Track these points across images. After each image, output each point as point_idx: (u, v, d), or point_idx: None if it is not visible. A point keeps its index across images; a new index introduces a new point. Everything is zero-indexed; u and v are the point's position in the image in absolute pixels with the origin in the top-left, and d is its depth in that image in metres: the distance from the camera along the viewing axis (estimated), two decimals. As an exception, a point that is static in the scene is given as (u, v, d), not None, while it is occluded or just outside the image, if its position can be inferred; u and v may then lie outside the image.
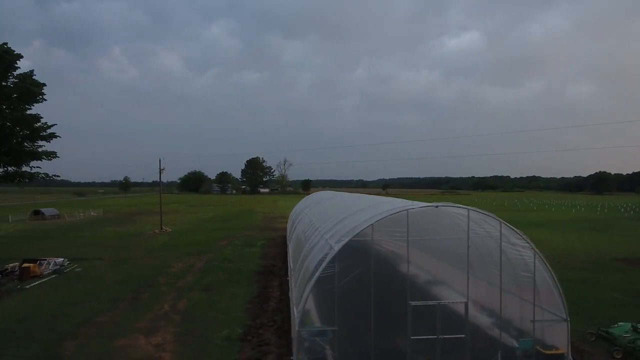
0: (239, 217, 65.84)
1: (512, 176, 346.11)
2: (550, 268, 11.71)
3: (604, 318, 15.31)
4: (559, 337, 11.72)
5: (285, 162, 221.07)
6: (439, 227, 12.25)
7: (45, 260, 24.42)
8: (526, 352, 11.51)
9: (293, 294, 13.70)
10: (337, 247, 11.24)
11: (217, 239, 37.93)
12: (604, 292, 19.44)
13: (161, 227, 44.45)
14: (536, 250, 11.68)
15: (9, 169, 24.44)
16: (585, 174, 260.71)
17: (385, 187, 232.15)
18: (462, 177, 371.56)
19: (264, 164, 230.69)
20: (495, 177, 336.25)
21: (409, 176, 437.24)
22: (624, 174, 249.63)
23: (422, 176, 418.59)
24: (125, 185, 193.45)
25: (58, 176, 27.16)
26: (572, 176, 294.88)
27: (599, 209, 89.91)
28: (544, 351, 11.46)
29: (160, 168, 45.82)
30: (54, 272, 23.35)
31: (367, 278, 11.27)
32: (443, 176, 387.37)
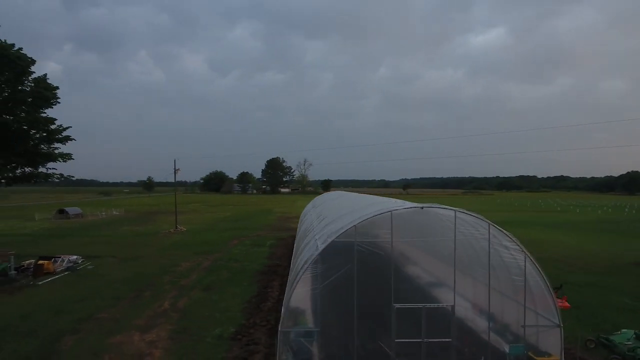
0: (254, 217, 66.44)
1: (539, 176, 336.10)
2: (542, 272, 11.33)
3: (608, 324, 14.70)
4: (552, 343, 11.33)
5: (305, 162, 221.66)
6: (426, 228, 12.02)
7: (60, 257, 25.33)
8: (517, 357, 11.15)
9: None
10: (321, 248, 11.22)
11: (228, 239, 38.41)
12: (613, 296, 18.61)
13: (176, 227, 45.38)
14: (527, 253, 11.31)
15: (26, 169, 25.51)
16: (616, 174, 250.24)
17: (406, 187, 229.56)
18: (486, 177, 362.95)
19: (284, 164, 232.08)
20: (521, 177, 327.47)
21: (431, 176, 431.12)
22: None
23: (445, 176, 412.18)
24: (148, 185, 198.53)
25: (73, 177, 28.18)
26: (602, 176, 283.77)
27: (626, 210, 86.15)
28: (535, 357, 11.09)
29: (175, 169, 46.79)
30: (67, 269, 24.19)
31: (351, 279, 11.18)
32: (467, 176, 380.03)
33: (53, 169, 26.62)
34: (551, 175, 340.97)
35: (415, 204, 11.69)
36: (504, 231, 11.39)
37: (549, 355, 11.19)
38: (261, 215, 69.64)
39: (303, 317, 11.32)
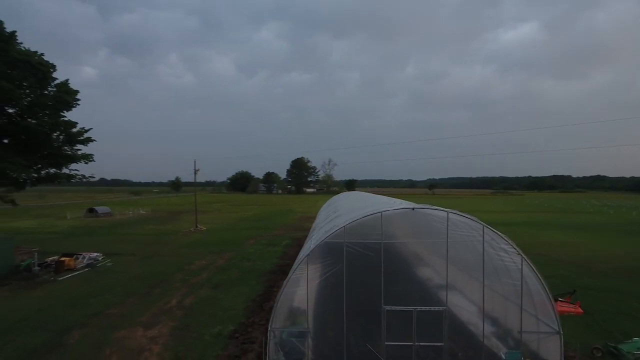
0: (275, 217, 67.05)
1: (573, 176, 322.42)
2: (540, 276, 10.89)
3: (620, 332, 13.96)
4: (551, 350, 10.88)
5: (329, 162, 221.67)
6: (418, 230, 11.78)
7: (81, 255, 26.46)
8: (514, 364, 10.77)
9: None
10: (310, 249, 11.24)
11: (245, 238, 38.95)
12: (629, 303, 17.63)
13: (196, 226, 46.43)
14: (523, 256, 10.92)
15: (50, 170, 26.77)
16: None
17: (432, 187, 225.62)
18: (517, 177, 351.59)
19: (309, 164, 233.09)
20: (555, 176, 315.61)
21: (460, 176, 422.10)
22: None
23: (474, 176, 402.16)
24: (176, 185, 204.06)
25: (94, 177, 29.33)
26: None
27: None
28: (533, 365, 10.70)
29: (194, 169, 47.86)
30: (87, 265, 25.23)
31: (340, 280, 11.12)
32: (497, 176, 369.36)
33: (75, 170, 27.82)
34: (587, 175, 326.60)
35: (409, 205, 11.49)
36: (499, 233, 11.03)
37: (548, 363, 10.75)
38: (282, 215, 70.20)
39: (294, 317, 11.36)
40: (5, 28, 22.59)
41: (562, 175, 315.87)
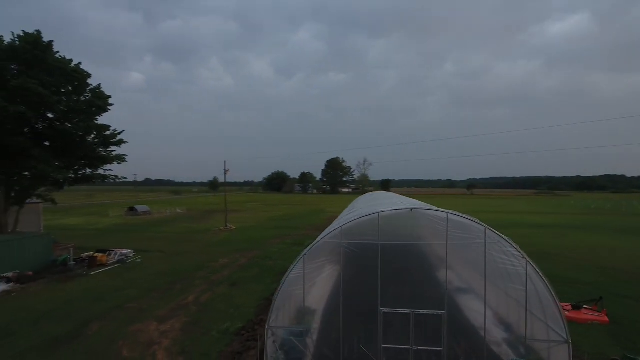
0: (305, 217, 67.49)
1: (627, 175, 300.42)
2: (547, 281, 10.30)
3: (647, 344, 12.89)
4: (559, 360, 10.25)
5: (365, 161, 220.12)
6: (418, 231, 11.48)
7: (113, 251, 27.95)
8: (518, 374, 10.28)
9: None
10: (307, 249, 11.29)
11: (271, 237, 39.54)
12: (664, 313, 16.23)
13: (226, 225, 47.67)
14: (528, 259, 10.37)
15: (87, 171, 28.50)
16: None
17: (470, 187, 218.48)
18: (565, 177, 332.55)
19: (344, 164, 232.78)
20: (607, 176, 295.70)
21: (502, 175, 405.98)
22: None
23: (517, 175, 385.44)
24: (214, 185, 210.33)
25: (125, 177, 30.92)
26: None
27: None
28: (539, 375, 10.14)
29: (224, 170, 49.16)
30: (118, 261, 26.59)
31: (337, 281, 11.07)
32: (542, 175, 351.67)
33: (109, 170, 29.44)
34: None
35: (408, 206, 11.25)
36: (502, 236, 10.54)
37: (555, 373, 10.15)
38: (312, 215, 70.53)
39: (292, 316, 11.44)
40: (42, 38, 24.33)
41: (615, 175, 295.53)
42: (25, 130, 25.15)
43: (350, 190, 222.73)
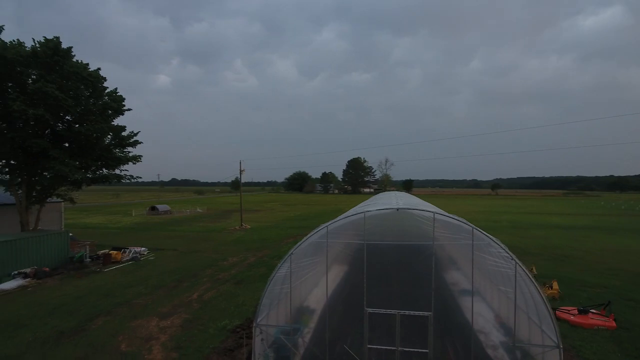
0: (322, 216, 67.56)
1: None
2: (536, 283, 9.99)
3: (653, 352, 12.29)
4: (551, 366, 9.91)
5: (386, 161, 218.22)
6: (405, 231, 11.32)
7: (128, 249, 28.85)
8: (507, 379, 10.01)
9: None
10: (295, 248, 11.37)
11: (284, 237, 39.83)
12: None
13: (241, 224, 48.33)
14: (517, 261, 10.07)
15: (104, 171, 29.52)
16: None
17: (495, 187, 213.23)
18: (597, 177, 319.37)
19: (365, 163, 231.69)
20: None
21: (530, 175, 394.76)
22: None
23: (547, 175, 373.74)
24: (236, 185, 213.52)
25: (140, 177, 31.76)
26: None
27: None
28: (528, 381, 9.85)
29: (240, 170, 49.84)
30: (132, 259, 27.43)
31: (323, 280, 11.09)
32: (573, 175, 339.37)
33: (125, 170, 30.39)
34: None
35: (394, 206, 11.15)
36: (491, 237, 10.29)
37: (546, 379, 9.82)
38: (329, 215, 70.49)
39: (280, 314, 11.53)
40: (62, 43, 25.38)
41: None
42: (47, 132, 26.34)
43: (372, 190, 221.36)
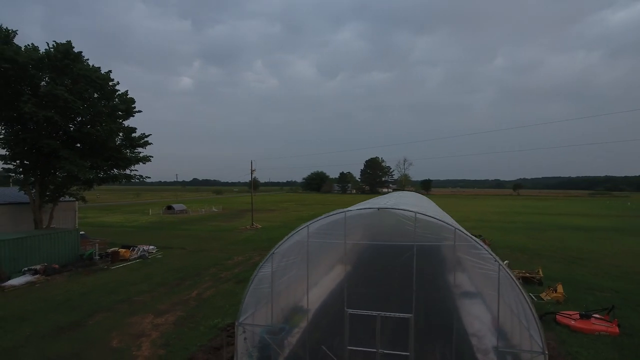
0: (335, 216, 67.35)
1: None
2: (519, 285, 9.65)
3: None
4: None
5: (405, 161, 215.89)
6: (387, 231, 11.12)
7: (137, 247, 29.47)
8: (490, 384, 9.72)
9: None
10: (276, 248, 11.35)
11: (293, 236, 39.84)
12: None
13: (252, 224, 48.71)
14: (500, 262, 9.76)
15: (115, 171, 30.28)
16: None
17: (517, 187, 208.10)
18: (626, 176, 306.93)
19: (383, 163, 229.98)
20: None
21: (556, 175, 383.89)
22: None
23: (573, 175, 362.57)
24: (254, 185, 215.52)
25: (149, 177, 32.47)
26: None
27: None
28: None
29: (251, 170, 50.23)
30: (140, 257, 28.01)
31: (302, 280, 11.04)
32: (601, 175, 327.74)
33: (135, 170, 31.10)
34: None
35: (375, 205, 10.99)
36: (474, 238, 9.99)
37: (529, 387, 9.48)
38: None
39: (258, 313, 11.52)
40: (73, 47, 26.15)
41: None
42: (60, 132, 27.21)
43: (391, 190, 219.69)
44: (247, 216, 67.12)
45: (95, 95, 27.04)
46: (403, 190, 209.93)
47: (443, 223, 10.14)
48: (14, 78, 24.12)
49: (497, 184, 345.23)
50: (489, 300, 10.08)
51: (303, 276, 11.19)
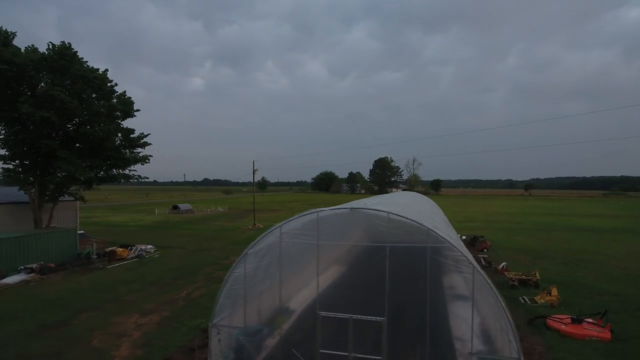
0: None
1: None
2: (495, 290, 9.31)
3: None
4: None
5: (414, 161, 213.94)
6: (360, 232, 10.86)
7: (135, 246, 29.64)
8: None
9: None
10: (249, 248, 11.22)
11: (293, 236, 39.71)
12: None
13: (254, 224, 48.73)
14: (475, 265, 9.43)
15: (114, 171, 30.52)
16: None
17: (528, 187, 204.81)
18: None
19: (392, 163, 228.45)
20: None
21: (570, 175, 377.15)
22: None
23: (588, 175, 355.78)
24: (262, 185, 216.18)
25: (147, 177, 32.68)
26: None
27: None
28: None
29: (253, 170, 50.26)
30: (137, 256, 28.15)
31: (275, 282, 10.85)
32: (617, 175, 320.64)
33: (134, 170, 31.31)
34: None
35: (349, 205, 10.75)
36: (447, 239, 9.68)
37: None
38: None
39: (232, 314, 11.38)
40: (73, 49, 26.41)
41: None
42: (60, 133, 27.53)
43: (400, 190, 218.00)
44: (251, 216, 67.24)
45: (94, 96, 27.26)
46: (412, 190, 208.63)
47: (416, 224, 9.85)
48: (13, 79, 24.44)
49: (510, 184, 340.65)
50: (464, 304, 9.74)
51: (276, 277, 11.00)
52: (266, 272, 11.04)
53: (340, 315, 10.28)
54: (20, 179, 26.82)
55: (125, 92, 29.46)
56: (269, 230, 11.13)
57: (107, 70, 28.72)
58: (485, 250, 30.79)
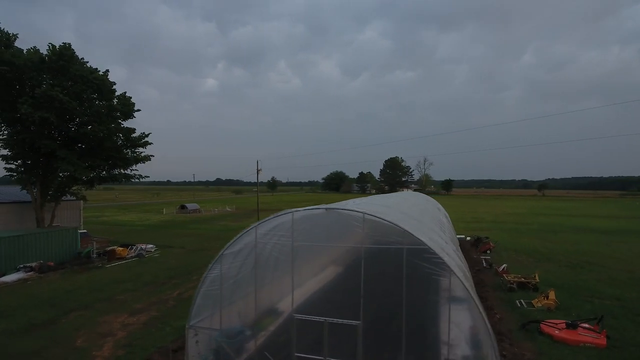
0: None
1: None
2: (473, 294, 8.97)
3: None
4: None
5: (425, 161, 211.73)
6: (336, 232, 10.59)
7: (135, 245, 29.83)
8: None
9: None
10: (224, 250, 11.08)
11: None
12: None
13: (258, 223, 48.67)
14: (453, 270, 9.09)
15: (115, 171, 30.78)
16: None
17: (541, 187, 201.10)
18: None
19: (403, 163, 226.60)
20: None
21: (586, 175, 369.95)
22: None
23: (605, 175, 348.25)
24: (272, 185, 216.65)
25: (148, 176, 32.93)
26: None
27: None
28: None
29: (257, 169, 50.26)
30: (137, 255, 28.30)
31: (251, 283, 10.66)
32: (635, 175, 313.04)
33: (135, 170, 31.54)
34: None
35: (324, 205, 10.49)
36: (423, 241, 9.35)
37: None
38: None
39: (209, 315, 11.22)
40: (74, 50, 26.70)
41: None
42: (61, 133, 27.85)
43: (411, 190, 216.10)
44: (259, 216, 67.39)
45: (94, 96, 27.50)
46: (423, 190, 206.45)
47: (392, 224, 9.54)
48: (14, 80, 24.78)
49: (524, 184, 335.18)
50: (442, 309, 9.42)
51: (252, 279, 10.81)
52: (242, 273, 10.86)
53: (314, 318, 10.04)
54: (22, 178, 27.21)
55: (125, 92, 29.69)
56: (244, 231, 10.93)
57: (107, 71, 29.00)
58: (488, 251, 30.14)
